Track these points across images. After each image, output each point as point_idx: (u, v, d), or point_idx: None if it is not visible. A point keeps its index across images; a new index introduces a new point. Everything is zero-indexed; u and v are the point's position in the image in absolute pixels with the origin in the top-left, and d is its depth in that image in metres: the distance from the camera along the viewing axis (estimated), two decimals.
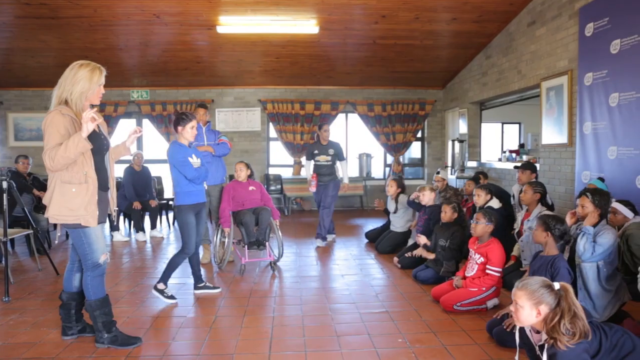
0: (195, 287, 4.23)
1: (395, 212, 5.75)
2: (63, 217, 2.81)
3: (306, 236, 6.88)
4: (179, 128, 3.91)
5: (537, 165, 6.07)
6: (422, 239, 4.64)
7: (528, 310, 2.11)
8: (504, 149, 10.30)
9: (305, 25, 6.56)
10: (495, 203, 4.63)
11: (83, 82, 2.82)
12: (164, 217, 7.88)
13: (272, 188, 9.20)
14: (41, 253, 5.21)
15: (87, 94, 2.87)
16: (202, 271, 4.91)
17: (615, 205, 3.64)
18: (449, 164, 9.06)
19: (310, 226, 7.79)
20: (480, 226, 3.62)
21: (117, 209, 3.20)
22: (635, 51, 4.27)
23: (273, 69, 8.59)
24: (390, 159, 9.84)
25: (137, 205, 6.65)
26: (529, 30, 6.14)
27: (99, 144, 2.92)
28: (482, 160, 8.22)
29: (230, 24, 6.54)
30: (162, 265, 5.19)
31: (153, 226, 6.95)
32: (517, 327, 2.34)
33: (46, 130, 2.74)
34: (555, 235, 3.01)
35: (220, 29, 6.63)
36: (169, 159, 3.94)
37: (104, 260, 2.96)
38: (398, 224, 5.74)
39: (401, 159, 9.78)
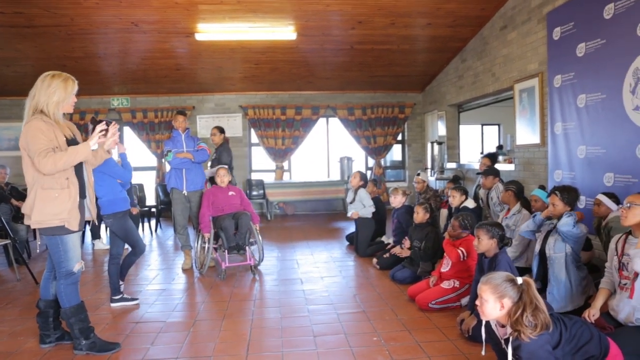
0: (112, 301, 4.03)
1: (352, 202, 5.92)
2: (47, 222, 2.83)
3: (288, 240, 6.93)
4: None
5: (512, 165, 6.23)
6: (405, 251, 4.73)
7: (492, 303, 2.20)
8: (482, 151, 10.49)
9: (283, 31, 6.64)
10: (470, 203, 4.75)
11: (59, 92, 2.86)
12: (146, 224, 7.86)
13: (255, 193, 9.24)
14: (20, 263, 5.18)
15: (63, 104, 2.91)
16: (183, 277, 4.98)
17: (599, 197, 3.77)
18: (429, 165, 9.20)
19: (293, 230, 7.85)
20: (456, 233, 3.74)
21: (90, 219, 3.19)
22: (599, 54, 4.44)
23: (253, 75, 8.66)
24: (371, 162, 9.96)
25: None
26: (501, 35, 6.30)
27: None
28: (462, 162, 8.37)
29: (209, 31, 6.59)
30: (144, 272, 5.23)
31: None
32: (484, 322, 2.43)
33: (31, 137, 2.75)
34: (498, 240, 3.12)
35: (198, 37, 6.68)
36: (96, 167, 3.55)
37: (79, 268, 2.98)
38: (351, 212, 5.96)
39: (382, 162, 9.90)
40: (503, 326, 2.30)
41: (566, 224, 3.21)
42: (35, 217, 2.83)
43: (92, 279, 4.96)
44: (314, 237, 7.10)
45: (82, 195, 3.05)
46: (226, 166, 5.33)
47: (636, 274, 2.56)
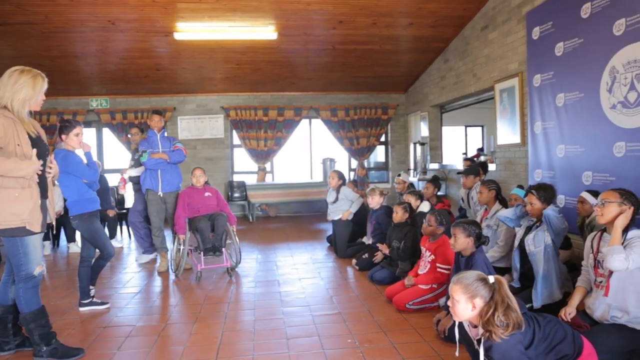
0: (80, 305, 3.91)
1: (334, 202, 5.85)
2: (6, 223, 2.70)
3: (269, 242, 6.83)
4: (63, 136, 3.67)
5: (494, 165, 6.22)
6: (383, 251, 4.67)
7: (463, 304, 2.13)
8: (465, 153, 10.49)
9: (264, 31, 6.56)
10: (425, 207, 4.77)
11: (26, 89, 2.73)
12: (124, 227, 7.69)
13: (236, 195, 9.13)
14: None
15: (30, 102, 2.78)
16: (158, 280, 4.85)
17: (583, 194, 3.74)
18: (412, 166, 9.17)
19: (274, 232, 7.75)
20: (430, 228, 3.67)
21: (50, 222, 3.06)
22: (577, 53, 4.43)
23: (234, 76, 8.55)
24: (354, 163, 9.90)
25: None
26: (483, 35, 6.29)
27: (40, 149, 2.84)
28: (444, 163, 8.35)
29: (188, 30, 6.48)
30: (119, 275, 5.09)
31: (112, 236, 6.77)
32: (457, 323, 2.37)
33: None
34: (475, 238, 3.08)
35: (177, 36, 6.56)
36: (60, 167, 3.45)
37: (39, 272, 2.85)
38: (336, 213, 5.87)
39: (366, 163, 9.85)
40: (475, 327, 2.24)
41: (552, 209, 3.17)
42: None
43: (64, 282, 4.80)
44: (296, 239, 7.01)
45: (44, 195, 2.93)
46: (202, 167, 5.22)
47: (611, 272, 2.52)
